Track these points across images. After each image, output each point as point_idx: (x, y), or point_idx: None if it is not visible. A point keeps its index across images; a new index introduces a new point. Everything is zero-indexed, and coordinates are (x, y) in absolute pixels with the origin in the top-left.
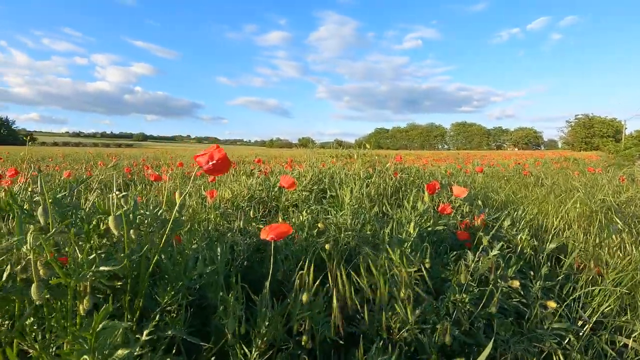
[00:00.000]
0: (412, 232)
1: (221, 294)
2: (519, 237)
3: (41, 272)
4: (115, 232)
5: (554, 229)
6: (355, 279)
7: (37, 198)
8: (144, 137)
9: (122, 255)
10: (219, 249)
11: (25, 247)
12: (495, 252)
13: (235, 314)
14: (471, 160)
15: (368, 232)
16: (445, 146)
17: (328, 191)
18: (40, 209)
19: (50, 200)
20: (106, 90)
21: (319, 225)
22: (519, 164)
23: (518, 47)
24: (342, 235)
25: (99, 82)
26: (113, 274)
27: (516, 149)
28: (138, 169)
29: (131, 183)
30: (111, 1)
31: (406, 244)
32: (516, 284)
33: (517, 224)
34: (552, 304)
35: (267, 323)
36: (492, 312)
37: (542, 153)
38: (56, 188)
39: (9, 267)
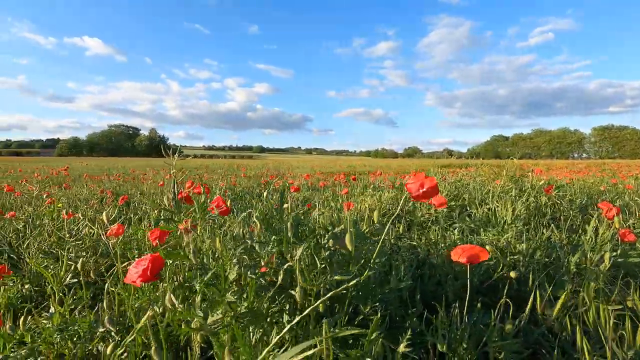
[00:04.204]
0: (607, 263)
1: (411, 310)
2: None
3: (299, 280)
4: (350, 248)
5: None
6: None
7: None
8: (262, 149)
9: (354, 267)
10: (402, 267)
11: (294, 263)
12: None
13: (445, 337)
14: (624, 171)
15: (546, 259)
16: (584, 155)
17: (468, 208)
18: (287, 226)
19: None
20: (234, 109)
21: (487, 248)
22: None
23: None
24: (508, 259)
25: (229, 102)
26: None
27: None
28: (265, 179)
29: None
30: (240, 32)
31: (601, 276)
32: None
33: None
34: None
35: (464, 345)
36: None
37: None
38: (238, 194)
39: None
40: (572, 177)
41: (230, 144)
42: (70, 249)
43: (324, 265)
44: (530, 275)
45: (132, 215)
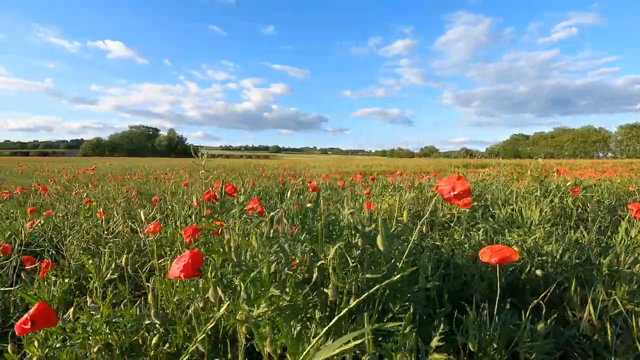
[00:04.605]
0: None
1: (439, 310)
2: None
3: (332, 279)
4: (382, 249)
5: None
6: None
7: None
8: (278, 149)
9: (383, 267)
10: (429, 266)
11: (328, 261)
12: None
13: (476, 337)
14: None
15: (576, 261)
16: (609, 154)
17: (491, 208)
18: (320, 225)
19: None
20: (250, 110)
21: (515, 249)
22: None
23: None
24: (535, 260)
25: (245, 102)
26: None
27: None
28: (283, 178)
29: (286, 192)
30: (256, 33)
31: (635, 279)
32: None
33: None
34: None
35: (494, 345)
36: None
37: None
38: (259, 193)
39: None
40: (599, 177)
41: (247, 144)
42: (107, 246)
43: (355, 264)
44: (560, 277)
45: (159, 215)
